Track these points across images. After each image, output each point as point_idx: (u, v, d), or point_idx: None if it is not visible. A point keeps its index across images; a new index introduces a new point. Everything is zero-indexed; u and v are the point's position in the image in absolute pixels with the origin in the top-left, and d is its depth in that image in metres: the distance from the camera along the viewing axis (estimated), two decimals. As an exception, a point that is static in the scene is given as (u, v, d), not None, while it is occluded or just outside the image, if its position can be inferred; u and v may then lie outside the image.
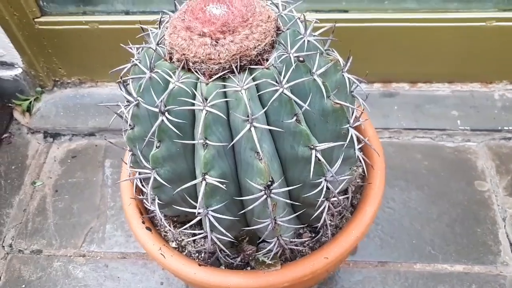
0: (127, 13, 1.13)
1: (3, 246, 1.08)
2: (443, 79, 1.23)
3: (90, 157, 1.23)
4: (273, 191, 0.53)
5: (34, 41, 1.19)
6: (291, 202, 0.55)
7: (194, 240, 0.73)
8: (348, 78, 0.60)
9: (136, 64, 0.56)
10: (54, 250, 1.07)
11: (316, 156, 0.53)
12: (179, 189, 0.55)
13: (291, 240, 0.64)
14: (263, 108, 0.51)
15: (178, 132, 0.51)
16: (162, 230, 0.76)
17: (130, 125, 0.59)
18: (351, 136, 0.58)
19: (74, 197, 1.15)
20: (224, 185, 0.54)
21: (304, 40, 0.54)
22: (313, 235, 0.72)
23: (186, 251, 0.73)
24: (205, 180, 0.53)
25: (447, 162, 1.14)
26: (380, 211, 1.08)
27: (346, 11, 1.09)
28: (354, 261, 1.00)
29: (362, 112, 0.59)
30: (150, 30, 0.57)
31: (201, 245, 0.73)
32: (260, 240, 0.68)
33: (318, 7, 1.08)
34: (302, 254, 0.70)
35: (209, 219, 0.56)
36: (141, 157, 0.57)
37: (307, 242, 0.71)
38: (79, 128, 1.26)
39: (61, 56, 1.24)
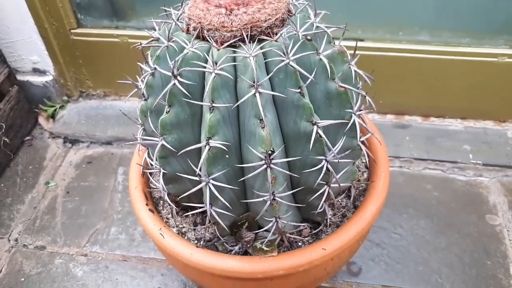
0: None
1: (9, 240, 1.10)
2: (456, 114, 1.24)
3: (104, 164, 1.26)
4: (273, 161, 0.55)
5: (68, 51, 1.27)
6: (290, 173, 0.56)
7: (195, 226, 0.74)
8: (355, 71, 0.63)
9: (158, 38, 0.60)
10: (57, 247, 1.08)
11: (317, 133, 0.55)
12: (183, 150, 0.57)
13: (290, 231, 0.64)
14: (270, 78, 0.54)
15: (188, 94, 0.54)
16: (164, 217, 0.76)
17: (144, 95, 0.62)
18: (354, 122, 0.60)
19: (84, 199, 1.17)
20: (226, 154, 0.56)
21: (313, 24, 0.58)
22: (313, 231, 0.71)
23: (186, 237, 0.73)
24: (208, 144, 0.55)
25: (458, 194, 1.13)
26: (387, 237, 1.06)
27: (362, 40, 1.14)
28: (357, 283, 0.97)
29: (365, 94, 0.61)
30: (173, 11, 0.62)
31: (201, 233, 0.73)
32: (259, 231, 0.68)
33: (334, 35, 1.13)
34: (299, 246, 0.69)
35: (209, 188, 0.57)
36: (151, 125, 0.60)
37: (307, 238, 0.71)
38: (98, 136, 1.31)
39: (90, 68, 1.32)
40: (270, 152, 0.54)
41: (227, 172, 0.57)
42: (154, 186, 0.69)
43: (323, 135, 0.55)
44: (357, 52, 1.14)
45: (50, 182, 1.22)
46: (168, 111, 0.57)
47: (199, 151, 0.60)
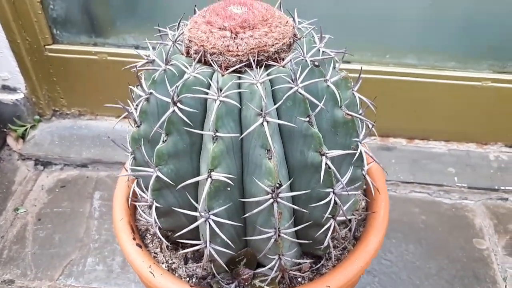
0: (137, 47, 1.16)
1: (-27, 273, 1.00)
2: (440, 137, 1.24)
3: (79, 188, 1.19)
4: (281, 195, 0.51)
5: (41, 67, 1.20)
6: (298, 208, 0.52)
7: (185, 262, 0.69)
8: (359, 97, 0.61)
9: (153, 60, 0.56)
10: (27, 281, 0.99)
11: (326, 164, 0.52)
12: (181, 185, 0.52)
13: (292, 267, 0.60)
14: (276, 104, 0.51)
15: (189, 122, 0.49)
16: (152, 251, 0.71)
17: (136, 122, 0.57)
18: (360, 152, 0.57)
19: (57, 227, 1.10)
20: (228, 187, 0.51)
21: (319, 49, 0.55)
22: (314, 266, 0.68)
23: (177, 274, 0.68)
24: (210, 177, 0.50)
25: (444, 218, 1.12)
26: (378, 263, 1.03)
27: (348, 62, 1.13)
28: (349, 313, 0.94)
29: (372, 125, 0.59)
30: (169, 32, 0.58)
31: (193, 269, 0.68)
32: (260, 270, 0.64)
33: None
34: (301, 284, 0.65)
35: (209, 224, 0.53)
36: (145, 154, 0.55)
37: (306, 273, 0.67)
38: (72, 158, 1.23)
39: (65, 85, 1.25)
40: (277, 185, 0.50)
41: (229, 207, 0.53)
42: (143, 219, 0.64)
43: (332, 166, 0.52)
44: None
45: (20, 208, 1.13)
46: (165, 140, 0.53)
47: (197, 182, 0.56)
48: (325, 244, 0.60)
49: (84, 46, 1.17)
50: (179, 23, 0.57)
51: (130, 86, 0.59)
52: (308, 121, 0.51)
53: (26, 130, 1.27)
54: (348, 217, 0.62)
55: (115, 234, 0.71)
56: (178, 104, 0.50)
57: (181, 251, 0.60)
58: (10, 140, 1.26)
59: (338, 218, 0.58)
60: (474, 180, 1.18)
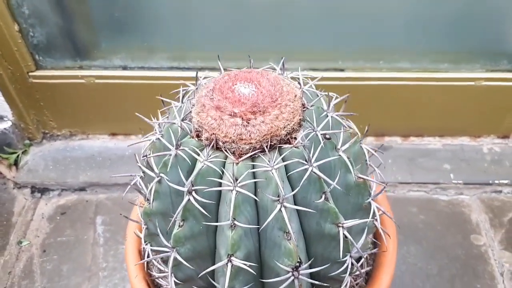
0: (125, 68, 1.13)
1: (-15, 314, 1.01)
2: (434, 132, 1.26)
3: (80, 214, 1.18)
4: (301, 272, 0.52)
5: (26, 94, 1.16)
6: (318, 283, 0.53)
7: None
8: (366, 149, 0.61)
9: (158, 139, 0.55)
10: (41, 317, 1.01)
11: (343, 234, 0.53)
12: (203, 272, 0.53)
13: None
14: (291, 187, 0.51)
15: (205, 212, 0.49)
16: (169, 302, 0.72)
17: (148, 199, 0.57)
18: (373, 210, 0.58)
19: (63, 258, 1.10)
20: (252, 268, 0.52)
21: (328, 117, 0.54)
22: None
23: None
24: (231, 261, 0.51)
25: (442, 215, 1.16)
26: (381, 268, 1.07)
27: (342, 70, 1.12)
28: (358, 321, 0.98)
29: (383, 188, 0.60)
30: (173, 104, 0.57)
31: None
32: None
33: (315, 66, 1.11)
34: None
35: (232, 300, 0.54)
36: (160, 235, 0.55)
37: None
38: (69, 183, 1.22)
39: (53, 109, 1.21)
40: (297, 264, 0.51)
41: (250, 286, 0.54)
42: (157, 277, 0.65)
43: (348, 236, 0.53)
44: (337, 83, 1.12)
45: (23, 241, 1.13)
46: (182, 225, 0.53)
47: (213, 255, 0.57)
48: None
49: (69, 70, 1.13)
50: (183, 98, 0.56)
51: (139, 164, 0.58)
52: (324, 198, 0.51)
53: (18, 156, 1.24)
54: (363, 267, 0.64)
55: (132, 291, 0.71)
56: (194, 194, 0.49)
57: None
58: (2, 168, 1.24)
59: (354, 274, 0.59)
60: (469, 175, 1.21)
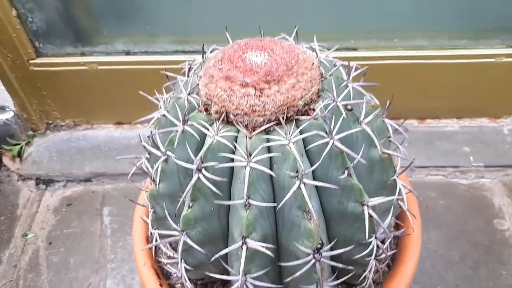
0: (128, 53, 1.09)
1: (-8, 308, 0.98)
2: (451, 114, 1.21)
3: (86, 205, 1.15)
4: (324, 254, 0.47)
5: (28, 83, 1.13)
6: (342, 265, 0.49)
7: (217, 303, 0.66)
8: (390, 124, 0.56)
9: (164, 115, 0.50)
10: (48, 310, 0.98)
11: (368, 213, 0.48)
12: (215, 256, 0.49)
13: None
14: (310, 162, 0.46)
15: (217, 191, 0.45)
16: (180, 291, 0.68)
17: (154, 180, 0.53)
18: (399, 188, 0.54)
19: (70, 250, 1.07)
20: (270, 250, 0.48)
21: (349, 87, 0.50)
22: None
23: (209, 315, 0.66)
24: (245, 244, 0.47)
25: (462, 200, 1.11)
26: (399, 255, 1.02)
27: (355, 49, 1.07)
28: (377, 311, 0.94)
29: (411, 163, 0.55)
30: (179, 79, 0.52)
31: (225, 308, 0.66)
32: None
33: (327, 46, 1.06)
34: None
35: (247, 286, 0.50)
36: (168, 218, 0.51)
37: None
38: (75, 174, 1.19)
39: (56, 98, 1.18)
40: (319, 246, 0.47)
41: (268, 270, 0.50)
42: (165, 263, 0.61)
43: (374, 215, 0.49)
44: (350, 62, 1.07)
45: (28, 233, 1.09)
46: (192, 206, 0.48)
47: (226, 238, 0.53)
48: (366, 283, 0.57)
49: (71, 57, 1.09)
50: (188, 71, 0.52)
51: (143, 144, 0.54)
52: (347, 174, 0.47)
53: (21, 148, 1.21)
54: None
55: (141, 280, 0.68)
56: (203, 171, 0.45)
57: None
58: (6, 160, 1.21)
59: (379, 257, 0.55)
60: (490, 157, 1.15)
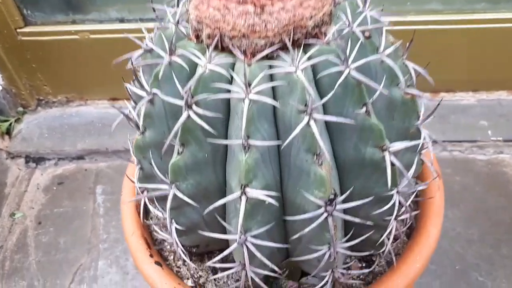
0: (122, 20, 1.02)
1: (-24, 291, 0.92)
2: (467, 87, 1.13)
3: (79, 183, 1.08)
4: (338, 207, 0.40)
5: (16, 54, 1.06)
6: (359, 220, 0.42)
7: (214, 272, 0.59)
8: (413, 68, 0.49)
9: (150, 50, 0.43)
10: (36, 293, 0.91)
11: (390, 161, 0.41)
12: (209, 208, 0.41)
13: (344, 272, 0.50)
14: (320, 96, 0.39)
15: (210, 128, 0.38)
16: (174, 265, 0.61)
17: (139, 128, 0.46)
18: (424, 137, 0.46)
19: (60, 230, 1.00)
20: (273, 199, 0.41)
21: (366, 15, 0.42)
22: (364, 265, 0.58)
23: (206, 290, 0.59)
24: (245, 194, 0.39)
25: (480, 176, 1.03)
26: (414, 234, 0.95)
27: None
28: (390, 293, 0.86)
29: (438, 104, 0.48)
30: (167, 9, 0.45)
31: (224, 282, 0.59)
32: (303, 275, 0.54)
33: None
34: (352, 289, 0.57)
35: (247, 248, 0.43)
36: (156, 171, 0.44)
37: (357, 275, 0.58)
38: (67, 151, 1.12)
39: (46, 71, 1.11)
40: (331, 196, 0.40)
41: (271, 227, 0.42)
42: (160, 235, 0.54)
43: (396, 163, 0.41)
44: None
45: (16, 212, 1.03)
46: (181, 152, 0.41)
47: (223, 193, 0.45)
48: (385, 248, 0.50)
49: (61, 25, 1.02)
50: (178, 1, 0.44)
51: (126, 84, 0.46)
52: (365, 111, 0.39)
53: (10, 124, 1.15)
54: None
55: (130, 252, 0.61)
56: (194, 107, 0.38)
57: (208, 268, 0.50)
58: (-6, 138, 1.14)
59: (401, 217, 0.48)
60: (509, 132, 1.08)
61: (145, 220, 0.57)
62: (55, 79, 1.14)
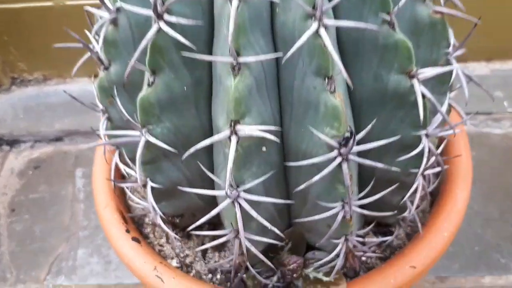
0: (100, -16, 0.92)
1: None
2: (480, 56, 1.04)
3: (57, 167, 0.98)
4: (355, 148, 0.31)
5: (-15, 25, 0.96)
6: (382, 165, 0.32)
7: (204, 255, 0.50)
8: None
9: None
10: (8, 286, 0.81)
11: (421, 91, 0.32)
12: (190, 151, 0.32)
13: (360, 240, 0.41)
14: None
15: (187, 42, 0.29)
16: (156, 243, 0.52)
17: (102, 61, 0.36)
18: (456, 70, 0.37)
19: (36, 217, 0.90)
20: (265, 147, 0.32)
21: None
22: (380, 237, 0.49)
23: (194, 271, 0.49)
24: (235, 133, 0.30)
25: (497, 151, 0.95)
26: (426, 214, 0.86)
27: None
28: (403, 278, 0.78)
29: (475, 26, 0.39)
30: None
31: (215, 261, 0.50)
32: (308, 250, 0.45)
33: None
34: (368, 267, 0.47)
35: (240, 206, 0.33)
36: (122, 110, 0.35)
37: (372, 249, 0.49)
38: (43, 133, 1.02)
39: (20, 45, 1.02)
40: (347, 135, 0.30)
41: (268, 178, 0.33)
42: (135, 203, 0.45)
43: (428, 94, 0.32)
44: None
45: (-13, 199, 0.93)
46: (152, 82, 0.32)
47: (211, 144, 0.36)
48: (400, 209, 0.41)
49: (33, -11, 0.92)
50: None
51: (86, 8, 0.37)
52: (389, 23, 0.30)
53: (-18, 105, 1.05)
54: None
55: (103, 228, 0.51)
56: (166, 16, 0.29)
57: (199, 248, 0.41)
58: (-36, 120, 1.04)
59: (427, 171, 0.39)
60: (527, 102, 0.99)
61: (117, 184, 0.47)
62: (31, 55, 1.04)
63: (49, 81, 1.09)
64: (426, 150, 0.35)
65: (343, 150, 0.31)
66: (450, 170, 0.50)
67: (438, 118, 0.35)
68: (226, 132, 0.30)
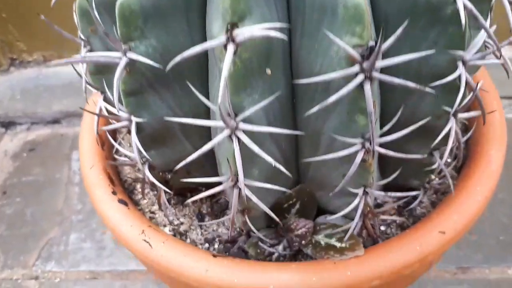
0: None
1: None
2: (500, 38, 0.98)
3: (53, 150, 0.94)
4: (378, 64, 0.25)
5: (-18, 1, 0.93)
6: (416, 86, 0.26)
7: (200, 220, 0.44)
8: None
9: None
10: (-5, 271, 0.76)
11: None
12: (174, 60, 0.26)
13: (383, 194, 0.35)
14: None
15: None
16: (147, 210, 0.46)
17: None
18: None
19: (28, 200, 0.85)
20: (266, 63, 0.26)
21: None
22: (401, 205, 0.43)
23: (188, 240, 0.44)
24: (233, 40, 0.25)
25: (522, 138, 0.88)
26: (446, 202, 0.80)
27: None
28: (422, 269, 0.71)
29: None
30: None
31: (213, 229, 0.44)
32: (318, 214, 0.39)
33: None
34: (386, 236, 0.41)
35: (239, 140, 0.28)
36: (98, 18, 0.29)
37: (392, 217, 0.43)
38: (40, 114, 0.98)
39: (20, 24, 0.98)
40: (371, 43, 0.25)
41: (272, 103, 0.27)
42: (125, 158, 0.40)
43: (469, 4, 0.26)
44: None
45: (-22, 181, 0.89)
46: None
47: (205, 67, 0.31)
48: (429, 163, 0.35)
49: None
50: None
51: None
52: None
53: (-22, 86, 1.01)
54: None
55: (87, 190, 0.46)
56: None
57: (191, 199, 0.35)
58: (-40, 101, 1.00)
59: (460, 115, 0.33)
60: (554, 87, 0.92)
61: (100, 129, 0.42)
62: (31, 34, 1.00)
63: (48, 62, 1.05)
64: (463, 79, 0.29)
65: (365, 64, 0.25)
66: (481, 130, 0.44)
67: (477, 42, 0.29)
68: (221, 38, 0.25)
